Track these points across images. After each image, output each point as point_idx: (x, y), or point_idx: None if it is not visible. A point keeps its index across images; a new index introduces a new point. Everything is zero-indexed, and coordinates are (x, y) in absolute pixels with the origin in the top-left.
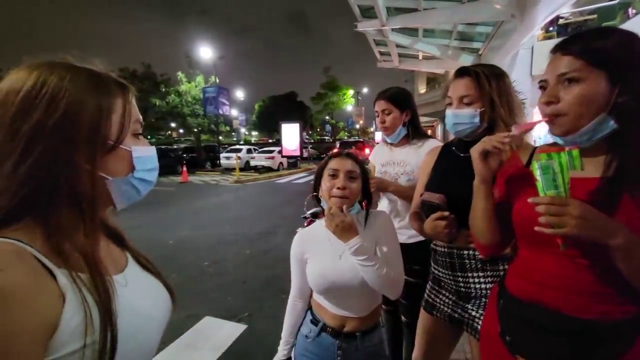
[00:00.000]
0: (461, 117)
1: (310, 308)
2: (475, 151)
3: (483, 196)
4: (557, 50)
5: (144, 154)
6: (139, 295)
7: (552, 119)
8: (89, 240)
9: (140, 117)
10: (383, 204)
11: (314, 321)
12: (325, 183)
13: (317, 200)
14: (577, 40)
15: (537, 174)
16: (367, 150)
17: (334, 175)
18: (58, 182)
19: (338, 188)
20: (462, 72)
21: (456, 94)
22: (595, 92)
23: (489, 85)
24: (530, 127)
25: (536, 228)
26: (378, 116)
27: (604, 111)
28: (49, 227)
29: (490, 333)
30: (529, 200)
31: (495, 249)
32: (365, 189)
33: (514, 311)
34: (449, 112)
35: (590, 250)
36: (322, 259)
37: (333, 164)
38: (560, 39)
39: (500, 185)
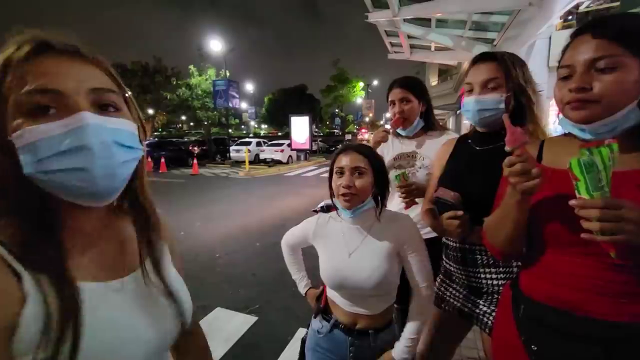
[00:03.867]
0: (486, 102)
1: (324, 304)
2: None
3: (522, 208)
4: (583, 32)
5: (39, 137)
6: (129, 305)
7: (580, 105)
8: (52, 243)
9: (49, 83)
10: (395, 201)
11: (326, 317)
12: (334, 181)
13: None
14: (610, 23)
15: (579, 172)
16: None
17: (340, 173)
18: None
19: (342, 186)
20: (485, 57)
21: (479, 78)
22: (630, 80)
23: (515, 70)
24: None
25: (583, 235)
26: (393, 106)
27: (633, 101)
28: (19, 227)
29: (508, 341)
30: (573, 203)
31: (513, 256)
32: (380, 182)
33: (538, 318)
34: (470, 98)
35: (621, 249)
36: (334, 255)
37: (339, 160)
38: (586, 22)
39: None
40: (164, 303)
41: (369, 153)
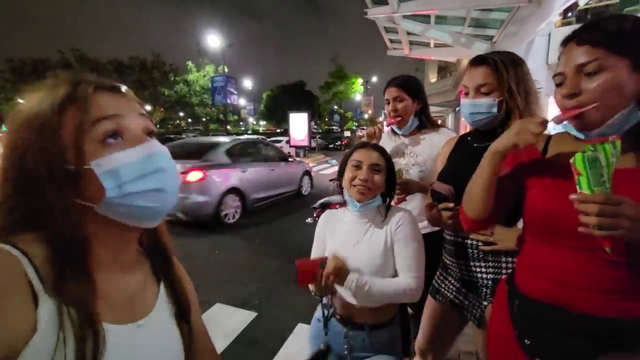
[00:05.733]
0: (479, 106)
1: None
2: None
3: (493, 165)
4: (569, 41)
5: (118, 164)
6: (139, 351)
7: (577, 114)
8: (81, 280)
9: (109, 111)
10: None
11: (326, 305)
12: (347, 173)
13: (342, 189)
14: (591, 29)
15: (582, 167)
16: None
17: (357, 167)
18: (41, 211)
19: (360, 179)
20: (478, 61)
21: (473, 82)
22: (619, 80)
23: (507, 73)
24: (571, 115)
25: (581, 229)
26: (388, 104)
27: (632, 100)
28: (52, 248)
29: (503, 335)
30: (573, 197)
31: (480, 226)
32: (390, 183)
33: (532, 313)
34: (465, 101)
35: (617, 245)
36: (339, 244)
37: (358, 154)
38: (572, 29)
39: (508, 166)
40: (172, 335)
41: (385, 153)
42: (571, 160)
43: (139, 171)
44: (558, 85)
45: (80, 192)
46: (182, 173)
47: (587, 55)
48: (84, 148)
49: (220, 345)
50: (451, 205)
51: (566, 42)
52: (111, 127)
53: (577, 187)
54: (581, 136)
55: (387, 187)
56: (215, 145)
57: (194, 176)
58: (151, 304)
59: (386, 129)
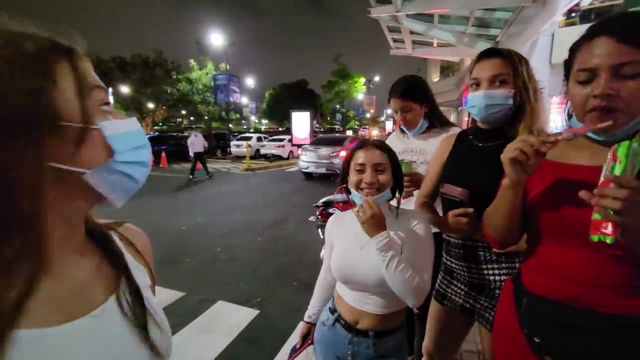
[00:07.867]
0: (495, 97)
1: (332, 296)
2: (505, 158)
3: (511, 197)
4: (605, 33)
5: (122, 130)
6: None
7: (604, 116)
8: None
9: (101, 82)
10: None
11: (332, 310)
12: (352, 176)
13: (348, 192)
14: (635, 26)
15: (625, 154)
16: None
17: (360, 170)
18: None
19: (366, 183)
20: (492, 52)
21: (487, 73)
22: None
23: (521, 67)
24: (584, 131)
25: (595, 211)
26: (397, 113)
27: None
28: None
29: (510, 334)
30: (609, 175)
31: (509, 245)
32: (397, 177)
33: (541, 311)
34: (478, 93)
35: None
36: (345, 247)
37: (359, 157)
38: (577, 29)
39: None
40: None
41: (388, 148)
42: (615, 146)
43: (135, 142)
44: (584, 82)
45: (73, 157)
46: (337, 151)
47: (629, 55)
48: (88, 109)
49: (222, 342)
50: (470, 210)
51: (599, 33)
52: (103, 97)
53: (606, 173)
54: (596, 137)
55: (394, 181)
56: (347, 138)
57: (343, 153)
58: (112, 286)
59: (390, 128)
